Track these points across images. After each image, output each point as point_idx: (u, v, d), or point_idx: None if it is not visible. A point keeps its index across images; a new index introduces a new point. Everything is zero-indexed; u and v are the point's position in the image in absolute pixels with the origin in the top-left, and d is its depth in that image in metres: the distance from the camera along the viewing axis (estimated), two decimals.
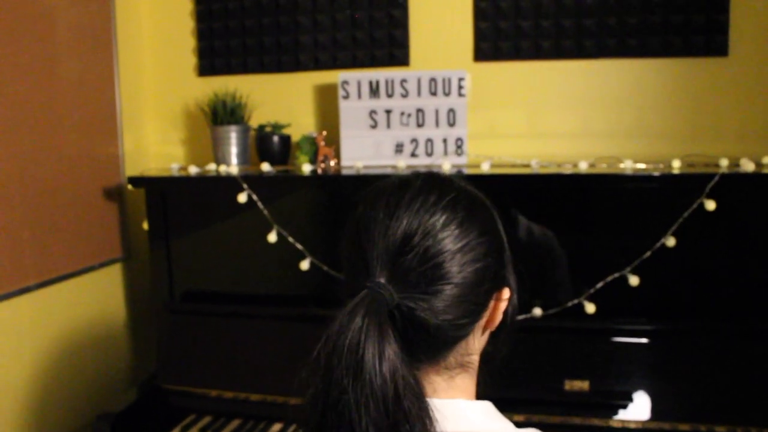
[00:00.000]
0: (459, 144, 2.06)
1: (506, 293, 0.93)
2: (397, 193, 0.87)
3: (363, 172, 2.01)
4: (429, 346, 0.85)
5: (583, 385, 1.76)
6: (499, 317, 0.93)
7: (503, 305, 0.93)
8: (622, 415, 1.73)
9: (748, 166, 1.75)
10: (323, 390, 0.77)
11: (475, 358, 0.95)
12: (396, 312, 0.80)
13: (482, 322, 0.91)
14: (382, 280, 0.80)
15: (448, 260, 0.82)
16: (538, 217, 1.84)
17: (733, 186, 1.72)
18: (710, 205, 1.69)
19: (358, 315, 0.77)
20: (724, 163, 1.78)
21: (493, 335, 0.98)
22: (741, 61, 2.03)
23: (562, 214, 1.85)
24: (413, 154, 2.09)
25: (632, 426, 1.73)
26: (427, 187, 0.88)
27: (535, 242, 1.87)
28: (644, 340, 1.79)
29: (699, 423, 1.71)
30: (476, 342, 0.93)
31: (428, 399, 0.80)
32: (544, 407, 1.75)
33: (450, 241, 0.83)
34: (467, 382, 0.93)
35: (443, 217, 0.84)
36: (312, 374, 0.78)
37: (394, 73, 2.09)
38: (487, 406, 0.92)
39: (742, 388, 1.73)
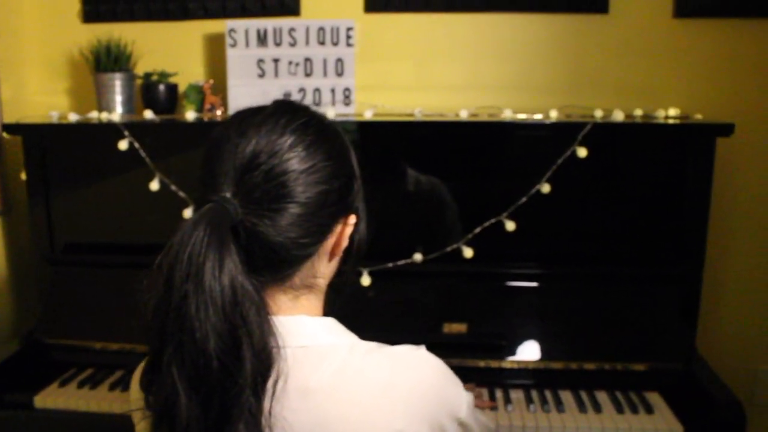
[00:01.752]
0: (347, 94, 2.06)
1: (352, 219, 0.96)
2: (250, 115, 0.90)
3: None
4: (272, 263, 0.87)
5: (461, 327, 1.81)
6: (345, 242, 0.96)
7: (349, 230, 0.96)
8: (498, 355, 1.79)
9: (618, 116, 1.82)
10: (165, 297, 0.78)
11: (322, 282, 0.97)
12: (240, 227, 0.83)
13: (327, 245, 0.93)
14: (228, 195, 0.82)
15: (293, 180, 0.85)
16: (422, 164, 1.87)
17: (604, 134, 1.79)
18: (582, 152, 1.75)
19: (200, 226, 0.79)
20: (598, 114, 1.84)
21: (342, 264, 1.01)
22: (620, 18, 2.10)
23: (445, 162, 1.88)
24: None
25: (507, 366, 1.79)
26: (279, 111, 0.90)
27: (420, 189, 1.89)
28: (520, 284, 1.85)
29: (571, 361, 1.79)
30: (322, 266, 0.95)
31: (273, 316, 0.83)
32: None
33: (296, 161, 0.86)
34: (313, 302, 0.96)
35: (291, 139, 0.86)
36: (154, 282, 0.80)
37: (282, 21, 2.07)
38: (330, 321, 0.95)
39: (609, 328, 1.82)
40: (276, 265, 0.88)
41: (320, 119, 0.94)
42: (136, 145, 1.92)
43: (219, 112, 2.09)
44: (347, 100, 2.06)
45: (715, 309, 2.17)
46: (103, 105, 2.14)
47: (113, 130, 1.93)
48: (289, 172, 0.84)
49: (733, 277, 2.18)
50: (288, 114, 0.89)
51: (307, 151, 0.87)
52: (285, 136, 0.86)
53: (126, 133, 1.92)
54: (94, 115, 2.06)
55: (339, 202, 0.91)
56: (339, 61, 2.05)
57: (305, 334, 0.90)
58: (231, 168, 0.84)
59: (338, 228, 0.93)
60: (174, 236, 0.80)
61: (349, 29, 2.04)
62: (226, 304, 0.77)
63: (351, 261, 1.01)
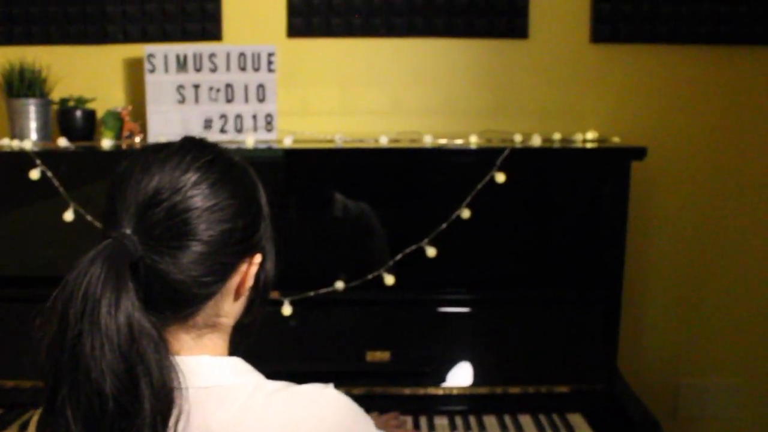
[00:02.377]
0: (269, 120, 2.04)
1: (258, 258, 0.96)
2: (156, 151, 0.89)
3: None
4: (174, 301, 0.86)
5: (384, 355, 1.80)
6: (250, 282, 0.96)
7: (254, 270, 0.96)
8: (422, 382, 1.78)
9: (536, 140, 1.84)
10: (59, 335, 0.77)
11: (226, 321, 0.97)
12: (140, 264, 0.82)
13: (232, 284, 0.93)
14: (128, 231, 0.82)
15: (196, 217, 0.85)
16: (344, 191, 1.86)
17: (523, 159, 1.81)
18: (500, 177, 1.77)
19: (97, 263, 0.78)
20: (518, 138, 1.86)
21: (249, 303, 1.00)
22: (539, 43, 2.14)
23: (367, 189, 1.88)
24: (222, 130, 2.05)
25: (432, 392, 1.79)
26: (186, 148, 0.90)
27: (343, 216, 1.88)
28: (444, 310, 1.85)
29: (496, 386, 1.80)
30: (226, 305, 0.95)
31: (174, 355, 0.82)
32: (346, 379, 1.78)
33: (200, 199, 0.85)
34: (217, 342, 0.96)
35: (196, 176, 0.86)
36: (48, 320, 0.78)
37: (203, 47, 2.04)
38: (235, 361, 0.95)
39: (533, 351, 1.83)
40: (178, 303, 0.87)
41: (227, 157, 0.95)
42: (49, 174, 1.86)
43: (138, 139, 2.04)
44: (269, 126, 2.04)
45: (637, 326, 2.21)
46: (17, 132, 2.07)
47: (25, 159, 1.87)
48: (192, 210, 0.84)
49: (653, 295, 2.24)
50: (194, 151, 0.89)
51: (212, 189, 0.86)
52: (189, 173, 0.85)
53: (38, 161, 1.85)
54: (5, 142, 1.99)
55: (244, 241, 0.91)
56: (260, 86, 2.03)
57: (208, 374, 0.89)
58: (132, 204, 0.83)
59: (243, 267, 0.93)
60: (69, 273, 0.78)
61: (270, 55, 2.02)
62: (123, 342, 0.76)
63: (257, 300, 1.00)
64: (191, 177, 0.85)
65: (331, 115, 2.16)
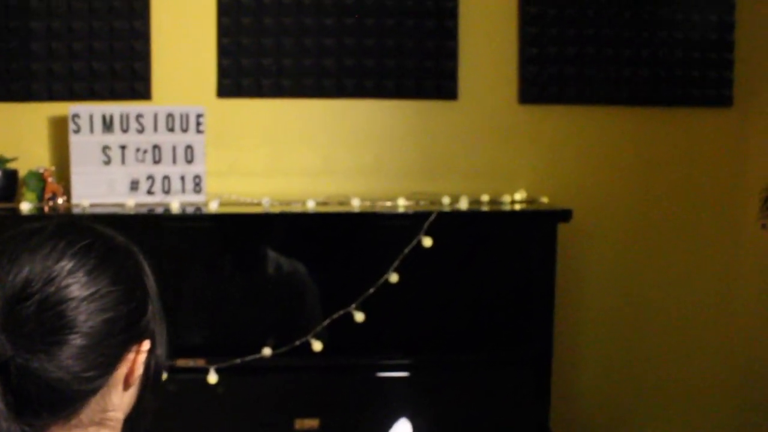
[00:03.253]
0: (197, 181, 2.01)
1: (146, 345, 0.90)
2: (26, 238, 0.82)
3: (91, 210, 1.90)
4: (52, 402, 0.79)
5: (313, 423, 1.76)
6: (139, 370, 0.90)
7: (143, 357, 0.89)
8: None
9: (463, 204, 1.85)
10: None
11: (115, 415, 0.90)
12: (11, 365, 0.75)
13: (118, 375, 0.87)
14: None
15: (73, 308, 0.78)
16: (272, 256, 1.83)
17: (450, 223, 1.82)
18: (427, 241, 1.76)
19: None
20: (446, 201, 1.87)
21: (141, 391, 0.94)
22: (469, 105, 2.17)
23: (297, 254, 1.85)
24: (149, 192, 2.01)
25: None
26: (59, 233, 0.83)
27: (271, 282, 1.86)
28: (374, 375, 1.83)
29: None
30: (115, 398, 0.88)
31: None
32: None
33: (76, 288, 0.79)
34: None
35: (71, 263, 0.80)
36: None
37: (130, 107, 2.01)
38: None
39: (465, 414, 1.82)
40: (57, 404, 0.80)
41: (107, 240, 0.88)
42: None
43: (60, 201, 1.99)
44: (197, 187, 2.01)
45: (569, 386, 2.22)
46: None
47: None
48: (67, 301, 0.77)
49: (584, 354, 2.25)
50: (69, 235, 0.83)
51: (90, 276, 0.80)
52: (64, 261, 0.79)
53: None
54: None
55: (129, 328, 0.85)
56: (189, 147, 2.01)
57: None
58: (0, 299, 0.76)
59: (130, 356, 0.87)
60: None
61: (199, 116, 2.01)
62: None
63: (149, 389, 0.94)
64: (66, 265, 0.79)
65: (262, 176, 2.15)
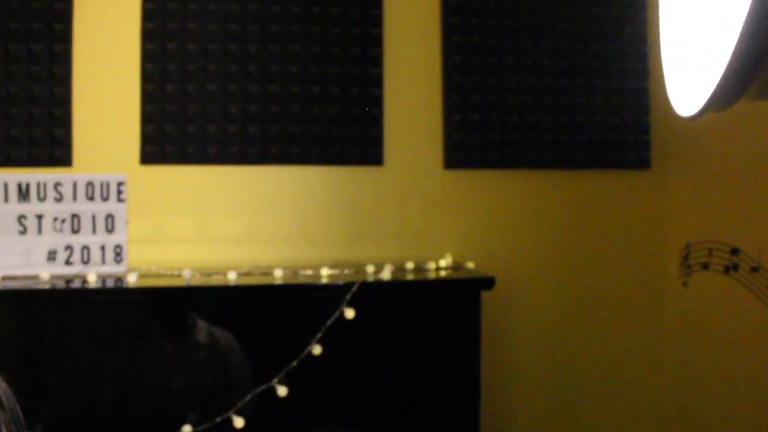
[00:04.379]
0: (118, 251, 1.97)
1: None
2: None
3: (2, 285, 1.84)
4: None
5: None
6: None
7: None
8: None
9: (387, 273, 1.85)
10: None
11: None
12: None
13: None
14: None
15: None
16: (192, 327, 1.79)
17: (373, 293, 1.81)
18: (349, 313, 1.76)
19: None
20: (370, 269, 1.87)
21: None
22: (394, 170, 2.19)
23: (221, 325, 1.82)
24: (68, 262, 1.95)
25: None
26: None
27: (193, 355, 1.82)
28: None
29: None
30: None
31: None
32: None
33: None
34: None
35: None
36: None
37: (48, 175, 1.97)
38: None
39: None
40: None
41: None
42: None
43: None
44: (118, 257, 1.97)
45: None
46: None
47: None
48: None
49: (515, 414, 2.25)
50: None
51: None
52: None
53: None
54: None
55: None
56: (109, 217, 1.97)
57: None
58: None
59: None
60: None
61: (120, 184, 1.97)
62: None
63: None
64: None
65: (186, 244, 2.12)
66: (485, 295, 1.89)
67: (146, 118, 2.12)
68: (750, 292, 2.07)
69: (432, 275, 1.94)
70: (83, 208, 1.97)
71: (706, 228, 2.18)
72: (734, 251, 2.18)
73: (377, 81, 2.18)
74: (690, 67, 0.59)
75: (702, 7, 0.58)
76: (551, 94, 2.27)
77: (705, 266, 2.28)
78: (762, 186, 1.91)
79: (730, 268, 2.21)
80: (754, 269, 2.09)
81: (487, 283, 1.87)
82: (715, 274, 2.20)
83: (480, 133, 2.22)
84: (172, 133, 2.12)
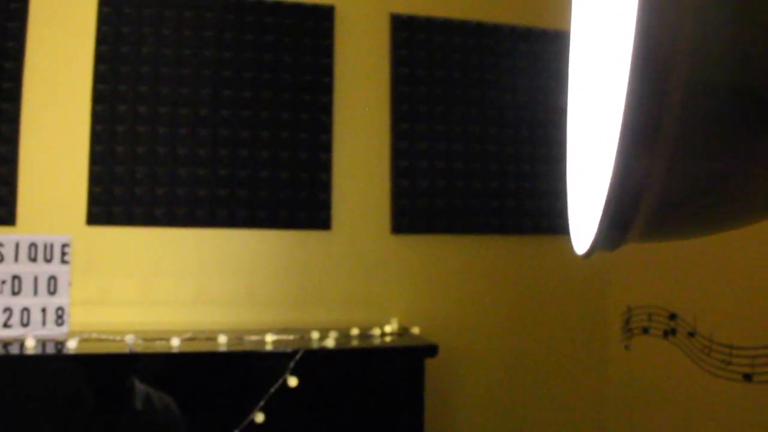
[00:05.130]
0: (60, 314, 1.94)
1: None
2: None
3: None
4: None
5: None
6: None
7: None
8: None
9: (331, 340, 1.86)
10: None
11: None
12: None
13: None
14: None
15: None
16: (133, 394, 1.76)
17: (317, 360, 1.82)
18: (292, 381, 1.75)
19: None
20: (315, 335, 1.88)
21: None
22: (342, 235, 2.21)
23: (160, 391, 1.79)
24: (6, 325, 1.92)
25: None
26: None
27: (134, 423, 1.78)
28: None
29: None
30: None
31: None
32: None
33: None
34: None
35: None
36: None
37: None
38: None
39: None
40: None
41: None
42: None
43: None
44: (60, 320, 1.94)
45: None
46: None
47: None
48: None
49: None
50: None
51: None
52: None
53: None
54: None
55: None
56: (52, 278, 1.95)
57: None
58: None
59: None
60: None
61: (64, 245, 1.96)
62: None
63: None
64: None
65: (132, 306, 2.10)
66: (430, 360, 1.91)
67: (94, 179, 2.11)
68: (687, 356, 2.13)
69: (377, 341, 1.96)
70: (25, 269, 1.94)
71: (645, 293, 2.24)
72: (672, 316, 2.24)
73: (326, 146, 2.21)
74: (579, 207, 0.63)
75: (589, 148, 0.62)
76: (497, 161, 2.34)
77: (645, 330, 2.35)
78: (697, 253, 1.98)
79: (668, 333, 2.27)
80: (691, 334, 2.16)
81: (431, 350, 1.89)
82: (654, 338, 2.26)
83: (427, 199, 2.27)
84: (120, 194, 2.12)
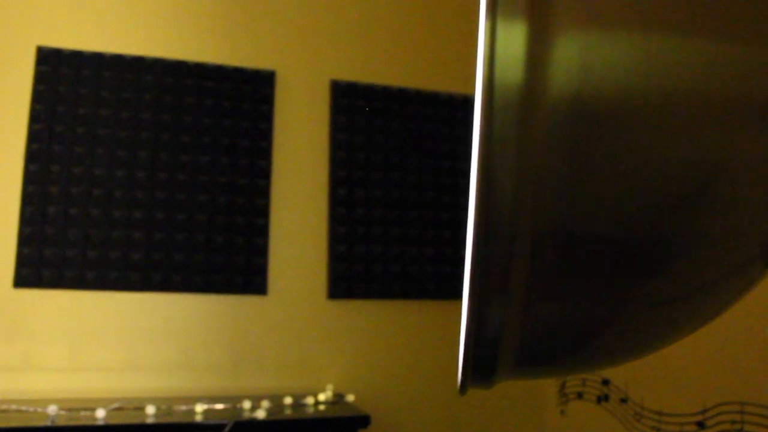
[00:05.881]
0: None
1: None
2: None
3: None
4: None
5: None
6: None
7: None
8: None
9: (262, 410, 1.83)
10: None
11: None
12: None
13: None
14: None
15: None
16: None
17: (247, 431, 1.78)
18: None
19: None
20: (247, 405, 1.84)
21: None
22: (278, 300, 2.20)
23: None
24: None
25: None
26: None
27: None
28: None
29: None
30: None
31: None
32: None
33: None
34: None
35: None
36: None
37: None
38: None
39: None
40: None
41: None
42: None
43: None
44: None
45: None
46: None
47: None
48: None
49: None
50: None
51: None
52: None
53: None
54: None
55: None
56: None
57: None
58: None
59: None
60: None
61: None
62: None
63: None
64: None
65: (58, 372, 2.03)
66: (363, 431, 1.89)
67: (23, 240, 2.07)
68: (619, 421, 2.16)
69: (310, 410, 1.93)
70: None
71: None
72: (605, 382, 2.27)
73: (264, 211, 2.21)
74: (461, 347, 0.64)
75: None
76: (434, 227, 2.36)
77: (580, 395, 2.37)
78: None
79: (601, 399, 2.30)
80: (623, 400, 2.19)
81: (363, 421, 1.87)
82: (588, 404, 2.28)
83: (364, 264, 2.28)
84: (50, 256, 2.07)
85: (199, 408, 1.85)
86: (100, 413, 1.78)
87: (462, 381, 0.44)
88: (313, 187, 2.28)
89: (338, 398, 2.05)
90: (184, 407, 1.85)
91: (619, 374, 2.13)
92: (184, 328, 2.13)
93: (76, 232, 2.09)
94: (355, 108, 2.35)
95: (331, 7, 2.38)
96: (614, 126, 0.37)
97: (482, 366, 0.42)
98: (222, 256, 2.17)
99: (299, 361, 2.19)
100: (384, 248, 2.30)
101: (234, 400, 1.96)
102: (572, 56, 0.36)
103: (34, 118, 2.12)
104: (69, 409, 1.82)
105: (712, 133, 0.38)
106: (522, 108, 0.35)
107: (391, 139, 2.37)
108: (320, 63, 2.35)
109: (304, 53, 2.34)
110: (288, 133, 2.29)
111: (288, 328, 2.20)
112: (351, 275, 2.26)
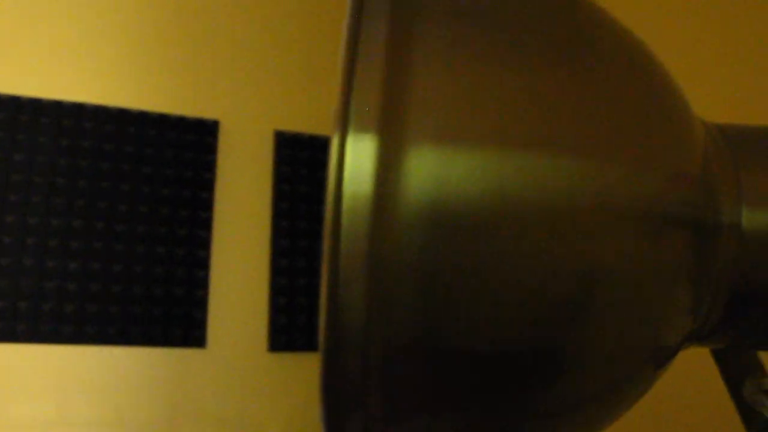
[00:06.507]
0: None
1: None
2: None
3: None
4: None
5: None
6: None
7: None
8: None
9: None
10: None
11: None
12: None
13: None
14: None
15: None
16: None
17: None
18: None
19: None
20: None
21: None
22: (217, 353, 2.15)
23: None
24: None
25: None
26: None
27: None
28: None
29: None
30: None
31: None
32: None
33: None
34: None
35: None
36: None
37: None
38: None
39: None
40: None
41: None
42: None
43: None
44: None
45: None
46: None
47: None
48: None
49: None
50: None
51: None
52: None
53: None
54: None
55: None
56: None
57: None
58: None
59: None
60: None
61: None
62: None
63: None
64: None
65: None
66: None
67: None
68: None
69: None
70: None
71: None
72: None
73: (204, 263, 2.18)
74: None
75: None
76: None
77: None
78: None
79: None
80: None
81: None
82: None
83: (305, 316, 2.25)
84: None
85: None
86: None
87: None
88: (255, 238, 2.25)
89: None
90: None
91: None
92: (119, 383, 2.07)
93: (6, 283, 2.03)
94: (298, 159, 2.35)
95: (276, 57, 2.38)
96: (473, 239, 0.36)
97: None
98: (160, 308, 2.12)
99: (238, 415, 2.13)
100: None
101: None
102: (426, 169, 0.35)
103: None
104: None
105: (581, 243, 0.38)
106: (372, 221, 0.34)
107: None
108: (264, 113, 2.34)
109: (249, 103, 2.33)
110: (231, 184, 2.26)
111: (227, 382, 2.15)
112: (292, 327, 2.23)
